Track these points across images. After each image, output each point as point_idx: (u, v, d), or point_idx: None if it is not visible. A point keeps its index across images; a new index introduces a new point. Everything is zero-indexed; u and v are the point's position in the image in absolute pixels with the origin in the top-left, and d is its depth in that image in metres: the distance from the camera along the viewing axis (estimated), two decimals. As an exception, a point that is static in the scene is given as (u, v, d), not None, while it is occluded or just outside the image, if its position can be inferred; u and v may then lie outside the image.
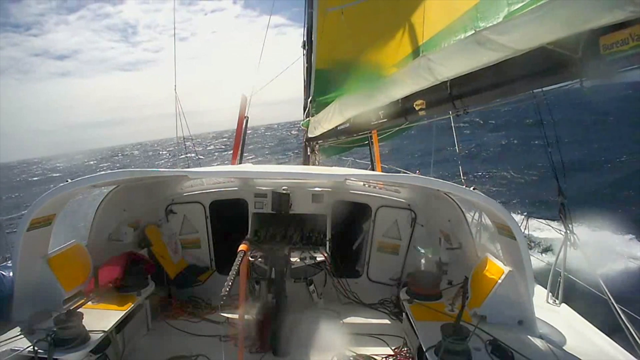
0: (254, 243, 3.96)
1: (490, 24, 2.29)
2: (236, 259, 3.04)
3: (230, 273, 2.77)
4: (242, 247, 3.30)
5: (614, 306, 2.73)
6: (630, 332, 2.60)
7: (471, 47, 2.39)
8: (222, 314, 3.86)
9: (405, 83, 3.39)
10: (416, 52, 3.59)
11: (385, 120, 4.50)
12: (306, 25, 6.95)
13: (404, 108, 4.02)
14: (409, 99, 3.72)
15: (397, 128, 4.63)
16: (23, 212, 3.00)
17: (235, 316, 3.48)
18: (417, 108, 3.67)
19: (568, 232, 3.19)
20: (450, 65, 2.74)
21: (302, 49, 7.32)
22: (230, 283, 2.55)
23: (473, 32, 2.35)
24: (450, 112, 3.53)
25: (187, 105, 6.42)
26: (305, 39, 7.13)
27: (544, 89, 2.62)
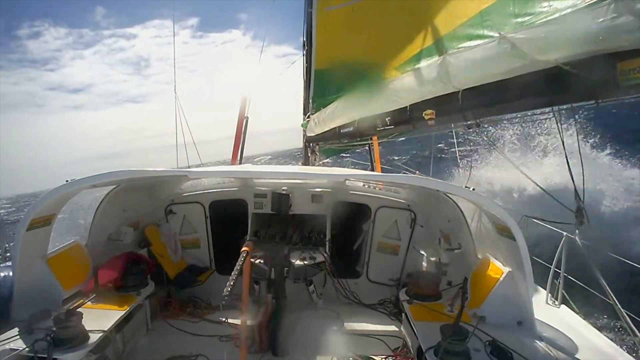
0: (257, 243, 3.93)
1: (506, 27, 2.27)
2: (239, 259, 3.03)
3: (232, 273, 2.76)
4: (245, 247, 3.28)
5: (614, 307, 2.73)
6: (630, 332, 2.61)
7: (494, 53, 2.34)
8: (222, 315, 3.84)
9: (415, 89, 3.29)
10: (419, 55, 3.52)
11: (392, 127, 4.19)
12: (305, 25, 6.94)
13: (412, 116, 3.73)
14: (418, 106, 3.52)
15: (403, 135, 4.47)
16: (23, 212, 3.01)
17: (236, 317, 3.47)
18: (426, 117, 3.48)
19: (566, 233, 3.19)
20: (468, 72, 2.66)
21: (302, 49, 7.32)
22: (232, 283, 2.55)
23: (483, 33, 2.33)
24: (463, 124, 3.30)
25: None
26: (304, 39, 7.12)
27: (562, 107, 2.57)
